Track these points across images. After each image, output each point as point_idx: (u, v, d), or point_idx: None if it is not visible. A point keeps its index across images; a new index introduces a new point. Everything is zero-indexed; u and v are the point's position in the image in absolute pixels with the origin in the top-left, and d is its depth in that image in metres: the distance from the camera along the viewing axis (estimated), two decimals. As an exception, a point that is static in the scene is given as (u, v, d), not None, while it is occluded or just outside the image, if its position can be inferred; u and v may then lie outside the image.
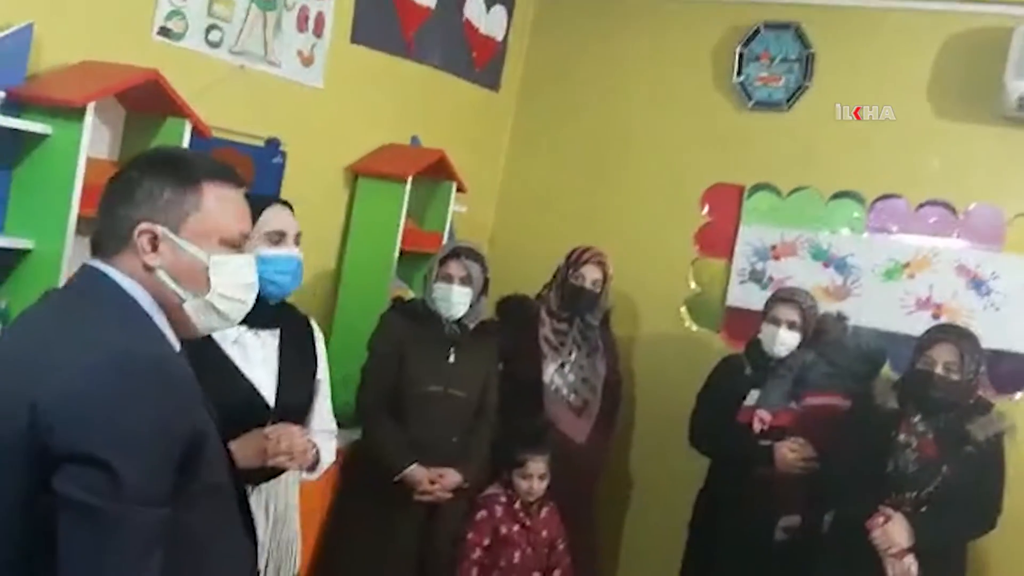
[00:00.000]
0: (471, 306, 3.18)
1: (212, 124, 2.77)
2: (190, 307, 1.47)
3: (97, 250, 1.47)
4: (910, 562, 2.88)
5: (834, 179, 3.81)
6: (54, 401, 1.30)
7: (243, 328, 2.24)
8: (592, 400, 3.53)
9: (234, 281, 1.50)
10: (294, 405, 2.36)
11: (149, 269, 1.44)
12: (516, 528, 3.20)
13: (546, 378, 3.47)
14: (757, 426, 3.27)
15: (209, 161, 1.55)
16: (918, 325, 3.39)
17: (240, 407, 2.19)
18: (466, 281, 3.14)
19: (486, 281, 3.24)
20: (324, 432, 2.47)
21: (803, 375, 3.33)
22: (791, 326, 3.29)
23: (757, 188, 3.95)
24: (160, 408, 1.33)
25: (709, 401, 3.47)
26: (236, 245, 1.50)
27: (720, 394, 3.42)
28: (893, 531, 2.88)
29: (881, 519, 2.90)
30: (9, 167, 2.48)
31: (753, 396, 3.34)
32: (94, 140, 2.53)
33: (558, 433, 3.43)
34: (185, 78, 2.70)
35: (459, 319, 3.17)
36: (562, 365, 3.52)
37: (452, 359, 3.16)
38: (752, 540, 3.24)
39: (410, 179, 3.48)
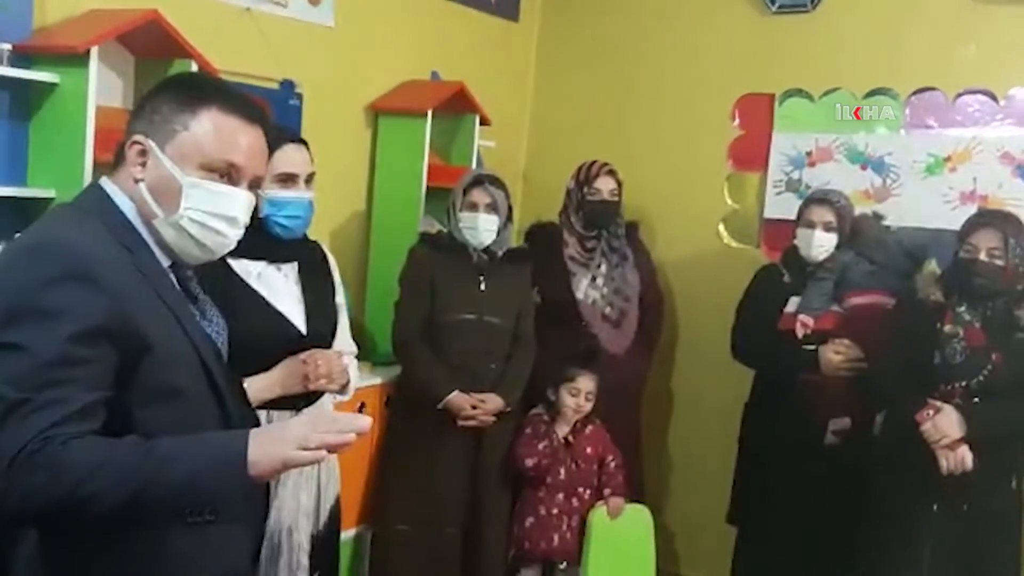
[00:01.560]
0: (498, 233, 3.17)
1: (223, 68, 2.79)
2: (160, 225, 1.46)
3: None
4: (963, 452, 2.80)
5: (866, 77, 3.67)
6: None
7: (263, 263, 2.29)
8: (628, 310, 3.52)
9: (209, 209, 1.46)
10: (323, 332, 2.39)
11: (134, 180, 1.46)
12: (559, 445, 3.22)
13: (580, 294, 3.47)
14: (800, 331, 3.21)
15: (224, 90, 1.52)
16: (963, 220, 3.26)
17: (275, 338, 2.24)
18: (492, 208, 3.14)
19: (510, 208, 3.23)
20: (348, 354, 2.50)
21: (844, 276, 3.25)
22: (827, 227, 3.21)
23: (788, 95, 3.82)
24: (71, 290, 1.30)
25: (749, 312, 3.42)
26: (222, 174, 1.47)
27: (760, 304, 3.37)
28: (943, 423, 2.81)
29: (931, 411, 2.83)
30: (26, 119, 2.54)
31: (794, 302, 3.27)
32: (105, 89, 2.58)
33: (598, 340, 3.45)
34: (193, 24, 2.72)
35: (487, 247, 3.17)
36: (593, 279, 3.50)
37: (483, 287, 3.17)
38: (803, 446, 3.19)
39: (430, 113, 3.47)
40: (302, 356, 2.27)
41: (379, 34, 3.57)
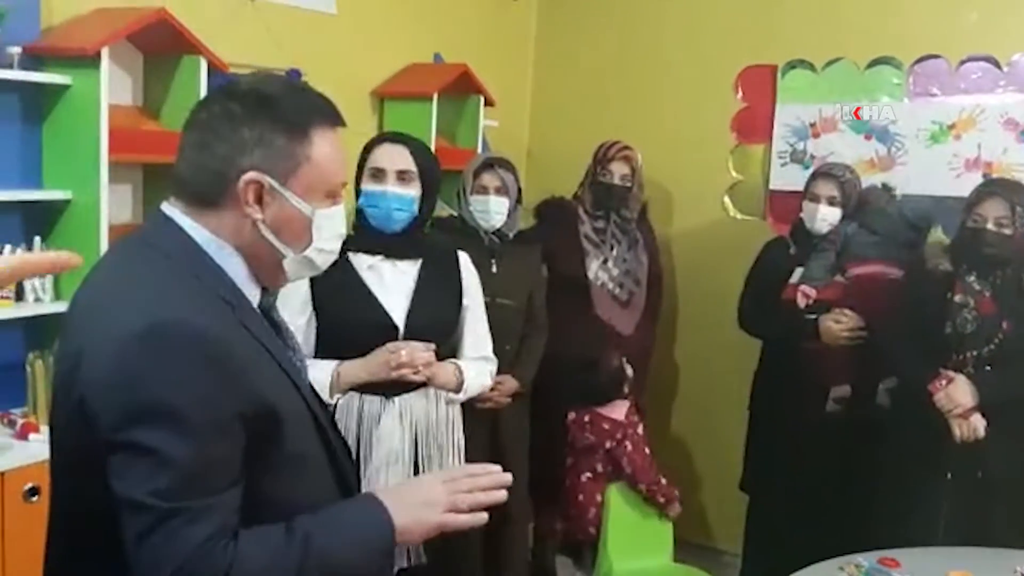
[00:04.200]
0: (508, 215, 3.18)
1: (229, 61, 2.79)
2: (289, 263, 1.35)
3: (180, 191, 1.32)
4: (976, 421, 2.85)
5: (869, 46, 3.68)
6: (91, 386, 1.21)
7: (379, 257, 2.36)
8: (637, 292, 3.56)
9: (332, 233, 1.38)
10: (423, 327, 2.42)
11: (251, 223, 1.30)
12: None
13: (591, 274, 3.51)
14: (801, 301, 3.27)
15: (314, 100, 1.36)
16: (968, 187, 3.24)
17: (371, 327, 2.33)
18: (502, 191, 3.15)
19: (519, 190, 3.25)
20: (477, 359, 2.56)
21: (846, 247, 3.30)
22: (831, 201, 3.26)
23: (791, 66, 3.84)
24: (200, 379, 1.19)
25: (755, 283, 3.48)
26: (337, 195, 1.37)
27: (765, 275, 3.43)
28: (956, 392, 2.85)
29: (943, 382, 2.87)
30: (38, 122, 2.54)
31: (797, 273, 3.33)
32: (115, 87, 2.58)
33: (607, 326, 3.48)
34: (197, 18, 2.71)
35: (497, 230, 3.18)
36: (604, 261, 3.54)
37: (495, 269, 3.18)
38: (805, 413, 3.25)
39: (435, 96, 3.46)
40: (388, 345, 2.33)
41: (380, 19, 3.57)
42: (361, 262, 2.32)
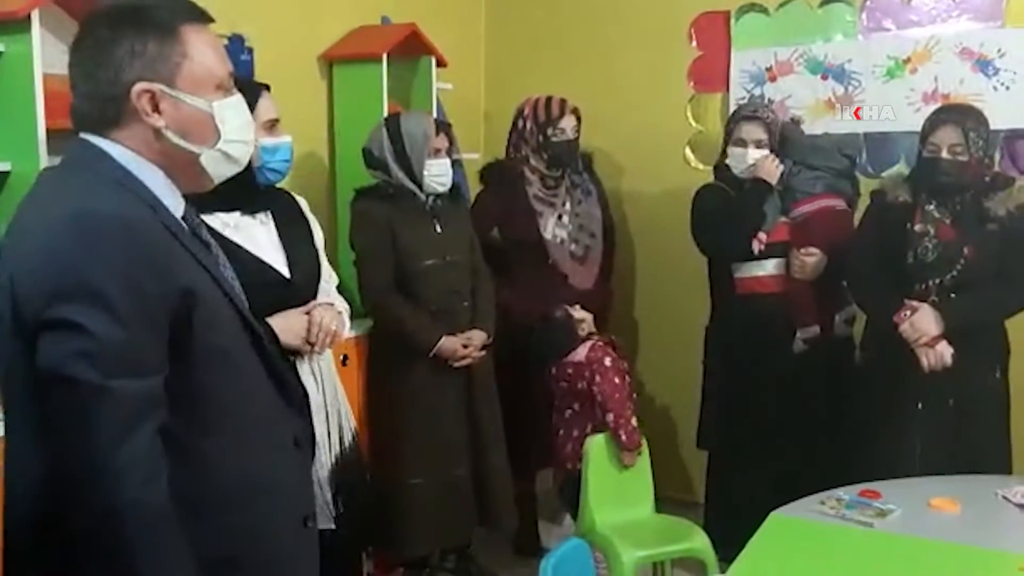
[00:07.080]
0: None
1: (169, 26, 2.72)
2: (206, 160, 1.42)
3: (84, 124, 1.40)
4: (943, 348, 2.84)
5: (821, -16, 3.67)
6: (22, 270, 1.28)
7: (237, 214, 2.31)
8: (593, 245, 3.53)
9: (238, 123, 1.44)
10: (307, 280, 2.43)
11: (155, 132, 1.37)
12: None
13: (547, 234, 3.45)
14: (756, 247, 3.24)
15: (176, 2, 1.42)
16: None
17: (260, 285, 2.19)
18: (449, 152, 3.14)
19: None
20: (333, 302, 2.52)
21: (788, 187, 3.29)
22: (758, 144, 3.23)
23: (744, 10, 3.82)
24: (127, 265, 1.25)
25: (710, 218, 3.33)
26: (228, 87, 1.43)
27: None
28: (920, 321, 2.84)
29: (907, 312, 2.86)
30: (-29, 94, 2.47)
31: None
32: (50, 57, 2.49)
33: (567, 285, 3.45)
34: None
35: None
36: (560, 217, 3.49)
37: (439, 229, 3.14)
38: (770, 358, 3.25)
39: (385, 57, 3.41)
40: (307, 309, 2.34)
41: (325, -19, 3.50)
42: (223, 223, 2.25)
